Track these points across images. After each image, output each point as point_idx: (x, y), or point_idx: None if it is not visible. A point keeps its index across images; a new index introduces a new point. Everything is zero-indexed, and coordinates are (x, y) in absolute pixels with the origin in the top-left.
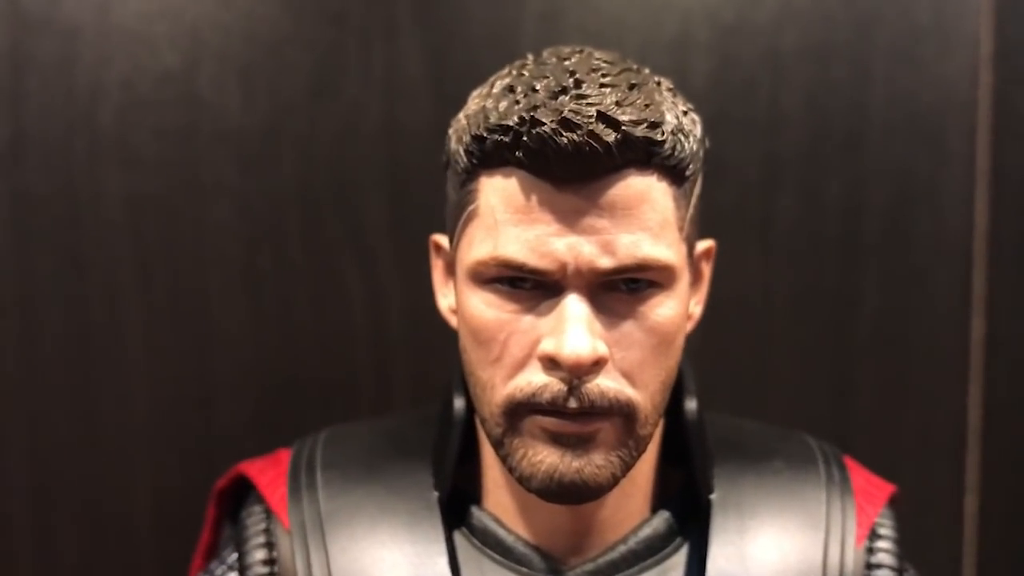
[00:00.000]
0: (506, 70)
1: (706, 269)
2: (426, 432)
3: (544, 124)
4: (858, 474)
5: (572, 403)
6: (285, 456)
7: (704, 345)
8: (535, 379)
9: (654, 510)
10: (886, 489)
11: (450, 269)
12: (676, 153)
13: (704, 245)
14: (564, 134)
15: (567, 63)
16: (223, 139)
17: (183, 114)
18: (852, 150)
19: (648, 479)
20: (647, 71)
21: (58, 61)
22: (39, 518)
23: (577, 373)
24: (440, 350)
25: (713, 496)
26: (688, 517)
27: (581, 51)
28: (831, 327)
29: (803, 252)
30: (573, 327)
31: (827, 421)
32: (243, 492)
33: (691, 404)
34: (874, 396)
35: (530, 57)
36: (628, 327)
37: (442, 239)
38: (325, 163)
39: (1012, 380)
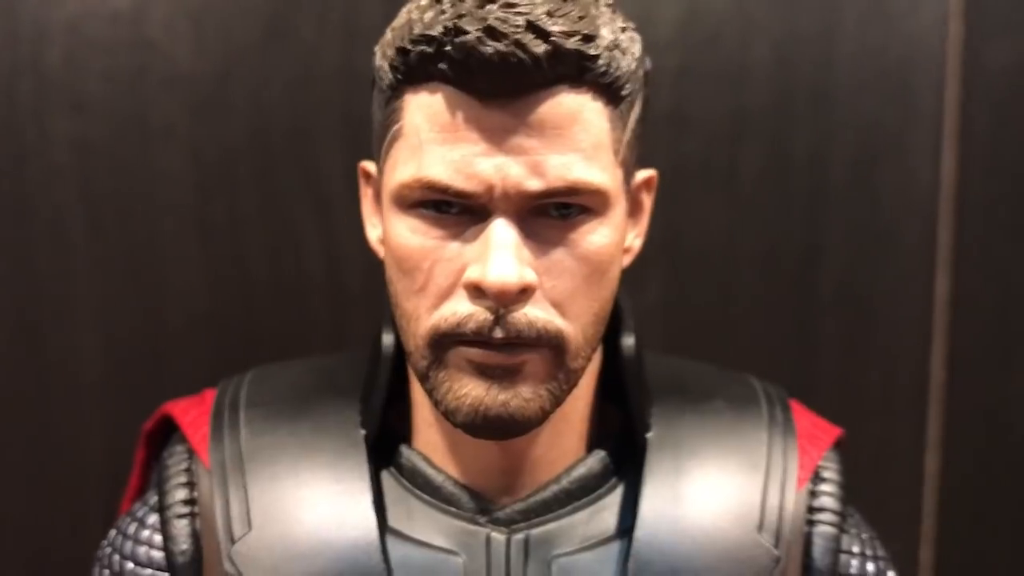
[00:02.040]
0: None
1: (647, 200)
2: (357, 370)
3: (468, 33)
4: (803, 416)
5: (498, 333)
6: (211, 396)
7: (668, 296)
8: (460, 308)
9: (589, 449)
10: (832, 432)
11: (379, 197)
12: (611, 70)
13: (645, 174)
14: (489, 43)
15: None
16: (174, 83)
17: (132, 57)
18: (819, 104)
19: (583, 417)
20: None
21: (2, 2)
22: None
23: (503, 301)
24: None
25: (649, 435)
26: (625, 457)
27: None
28: (795, 281)
29: (769, 205)
30: (499, 253)
31: (789, 375)
32: (171, 433)
33: (628, 340)
34: (837, 351)
35: None
36: (558, 255)
37: (371, 166)
38: (279, 109)
39: (975, 338)
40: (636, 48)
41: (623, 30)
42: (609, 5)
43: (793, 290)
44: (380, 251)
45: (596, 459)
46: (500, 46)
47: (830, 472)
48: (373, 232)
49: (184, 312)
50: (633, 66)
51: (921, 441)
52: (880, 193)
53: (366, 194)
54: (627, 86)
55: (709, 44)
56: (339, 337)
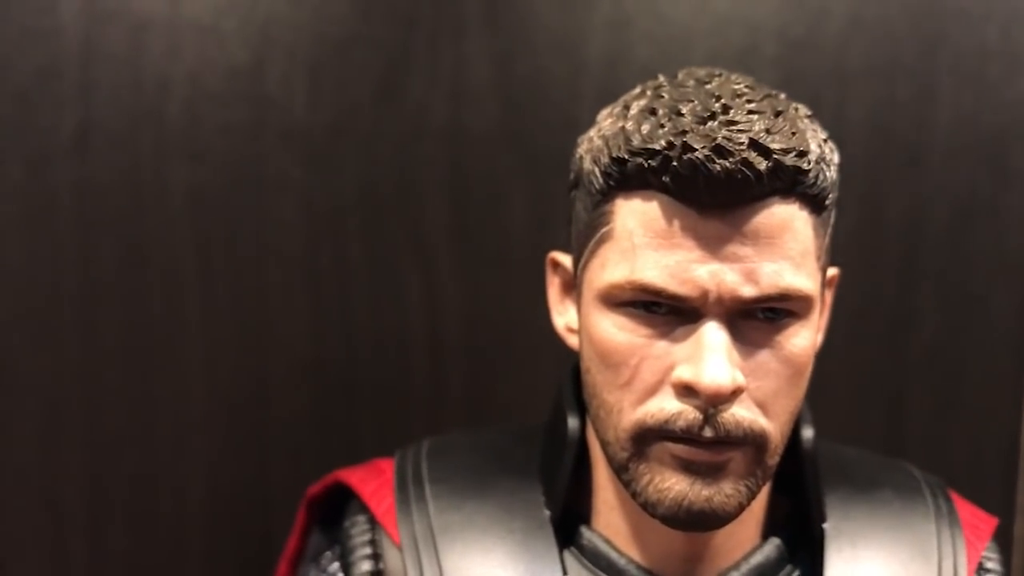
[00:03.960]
0: (639, 90)
1: (829, 297)
2: (531, 449)
3: (696, 150)
4: (963, 507)
5: (707, 432)
6: (385, 466)
7: None
8: (668, 406)
9: (764, 537)
10: (990, 522)
11: (567, 287)
12: (819, 182)
13: (831, 273)
14: (717, 161)
15: (708, 86)
16: (288, 136)
17: (249, 110)
18: (914, 169)
19: (761, 506)
20: (784, 96)
21: (127, 53)
22: (93, 510)
23: (715, 403)
24: (495, 354)
25: (826, 525)
26: (797, 545)
27: (719, 74)
28: (886, 344)
29: (862, 269)
30: (713, 356)
31: (880, 439)
32: (335, 500)
33: (808, 433)
34: (927, 416)
35: (663, 78)
36: (764, 356)
37: (561, 257)
38: (388, 164)
39: None
40: (836, 158)
41: (825, 141)
42: (809, 116)
43: (884, 353)
44: (568, 338)
45: (772, 547)
46: (727, 163)
47: (992, 563)
48: (560, 319)
49: (288, 359)
50: (835, 176)
51: (1011, 507)
52: (973, 258)
53: (553, 282)
54: (830, 196)
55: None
56: (436, 389)
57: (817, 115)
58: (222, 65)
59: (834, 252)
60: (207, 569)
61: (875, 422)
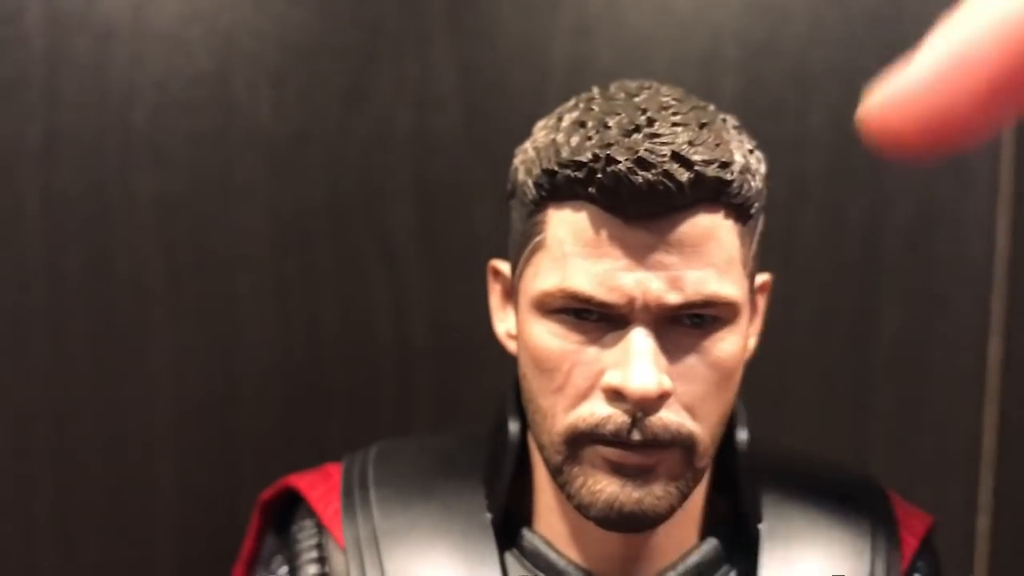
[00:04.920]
0: (572, 102)
1: (761, 302)
2: (477, 453)
3: (619, 162)
4: (899, 506)
5: (636, 435)
6: (334, 471)
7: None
8: (598, 410)
9: (702, 537)
10: (925, 520)
11: (508, 295)
12: (743, 192)
13: (761, 279)
14: (639, 173)
15: (636, 99)
16: (254, 144)
17: (215, 118)
18: (876, 172)
19: (698, 506)
20: (712, 108)
21: (93, 61)
22: (62, 518)
23: (642, 406)
24: (462, 359)
25: (761, 525)
26: (735, 545)
27: (649, 87)
28: (850, 346)
29: (824, 271)
30: (640, 361)
31: (843, 440)
32: (288, 504)
33: (742, 435)
34: (891, 415)
35: (596, 91)
36: (691, 361)
37: (501, 265)
38: (354, 170)
39: None
40: (762, 168)
41: (751, 151)
42: (736, 127)
43: (847, 354)
44: (508, 344)
45: (710, 547)
46: (649, 175)
47: (923, 562)
48: (501, 326)
49: (256, 365)
50: (760, 186)
51: (972, 504)
52: (934, 260)
53: (495, 290)
54: (755, 205)
55: (768, 112)
56: (404, 393)
57: (779, 119)
58: (187, 73)
59: (795, 255)
60: (175, 574)
61: (838, 422)
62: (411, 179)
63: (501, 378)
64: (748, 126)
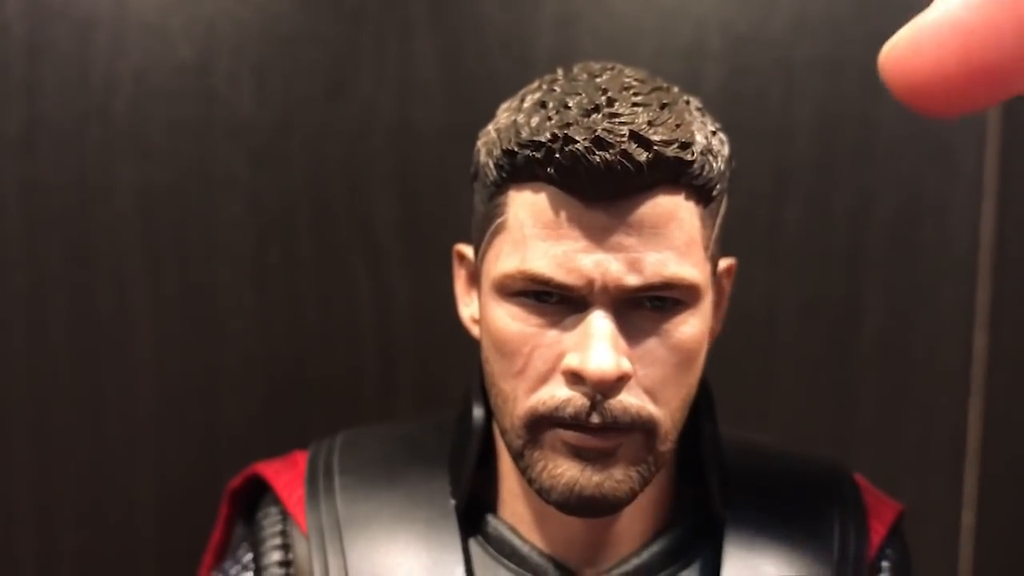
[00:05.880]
0: (536, 84)
1: (726, 286)
2: (442, 439)
3: (577, 142)
4: (869, 493)
5: (595, 418)
6: (301, 458)
7: (707, 353)
8: (558, 393)
9: (667, 525)
10: (894, 508)
11: (473, 279)
12: (704, 173)
13: (726, 263)
14: (596, 152)
15: (598, 80)
16: (236, 133)
17: (196, 107)
18: (861, 162)
19: (663, 493)
20: (676, 90)
21: (73, 51)
22: (41, 508)
23: (601, 389)
24: (445, 351)
25: (725, 512)
26: (701, 533)
27: (612, 68)
28: (834, 338)
29: (809, 263)
30: (598, 343)
31: (828, 432)
32: (257, 492)
33: (708, 423)
34: (875, 408)
35: (560, 72)
36: (652, 344)
37: (466, 249)
38: (336, 161)
39: (1012, 395)
40: (725, 150)
41: (714, 133)
42: (700, 108)
43: (832, 346)
44: (473, 329)
45: (674, 535)
46: (606, 155)
47: (892, 549)
48: (466, 310)
49: (237, 355)
50: (723, 167)
51: (957, 497)
52: (919, 251)
53: (460, 274)
54: (717, 186)
55: (752, 102)
56: (387, 383)
57: (764, 109)
58: (168, 63)
59: (780, 246)
60: (157, 566)
61: (824, 415)
62: (393, 169)
63: None
64: (732, 117)
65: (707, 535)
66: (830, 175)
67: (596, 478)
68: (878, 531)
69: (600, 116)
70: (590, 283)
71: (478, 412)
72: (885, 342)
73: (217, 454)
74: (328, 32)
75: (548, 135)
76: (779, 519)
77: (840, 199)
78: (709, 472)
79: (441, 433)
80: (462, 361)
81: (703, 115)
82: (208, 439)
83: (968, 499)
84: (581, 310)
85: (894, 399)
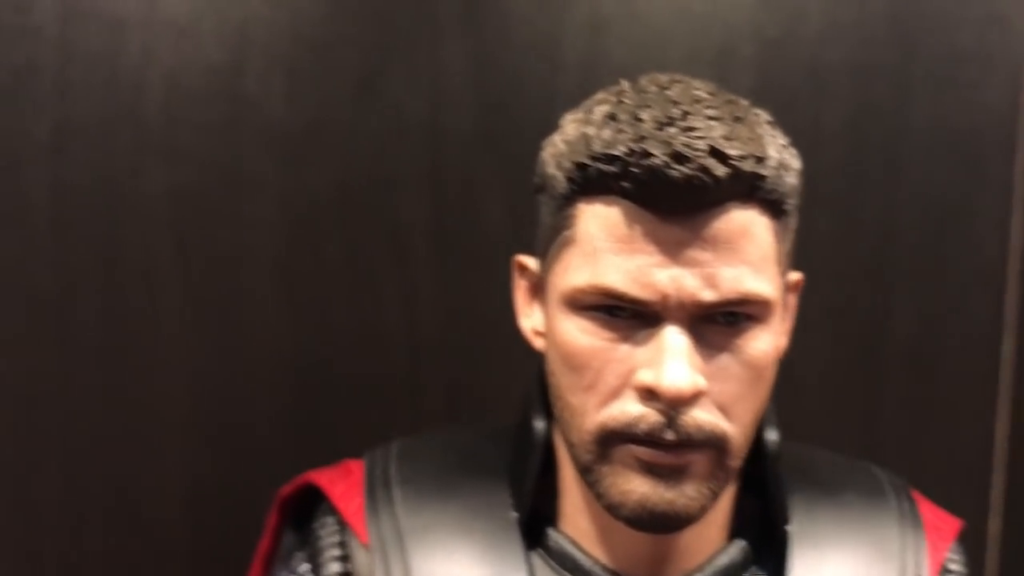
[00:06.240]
0: (601, 95)
1: (793, 300)
2: (500, 450)
3: (655, 156)
4: (926, 508)
5: (669, 435)
6: (355, 467)
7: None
8: (630, 409)
9: (730, 538)
10: (954, 524)
11: (534, 290)
12: (778, 188)
13: (793, 277)
14: (675, 167)
15: (668, 92)
16: (266, 136)
17: (227, 109)
18: (890, 170)
19: (726, 507)
20: (746, 103)
21: (104, 53)
22: (71, 509)
23: (676, 405)
24: (472, 352)
25: (790, 527)
26: (763, 546)
27: (680, 80)
28: (862, 345)
29: (837, 269)
30: (674, 359)
31: (854, 437)
32: (307, 500)
33: (772, 435)
34: (902, 416)
35: (625, 84)
36: (725, 360)
37: (527, 260)
38: (366, 163)
39: None
40: (797, 164)
41: (785, 147)
42: (769, 122)
43: (859, 353)
44: (535, 341)
45: (738, 548)
46: (685, 169)
47: (956, 565)
48: (527, 322)
49: (266, 358)
50: (795, 182)
51: (984, 505)
52: (947, 259)
53: (520, 285)
54: (789, 201)
55: (782, 112)
56: (414, 384)
57: (793, 117)
58: (199, 65)
59: (809, 253)
60: (187, 569)
61: (850, 423)
62: (423, 172)
63: (511, 372)
64: None
65: (769, 549)
66: (859, 182)
67: (668, 495)
68: (939, 547)
69: (676, 130)
70: (665, 298)
71: (539, 424)
72: (913, 349)
73: (246, 455)
74: (358, 34)
75: (623, 148)
76: (843, 534)
77: (869, 206)
78: (773, 486)
79: (496, 444)
80: (489, 363)
81: (773, 128)
82: (237, 440)
83: (995, 506)
84: (653, 325)
85: (921, 406)
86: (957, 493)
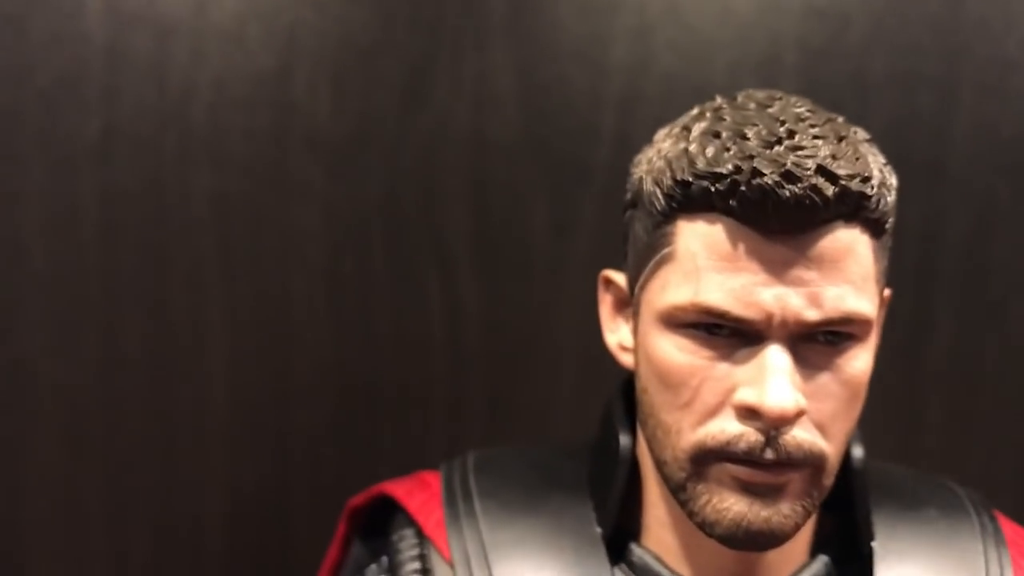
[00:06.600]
0: (697, 111)
1: (882, 316)
2: (579, 465)
3: (765, 175)
4: (1007, 526)
5: (769, 454)
6: (431, 479)
7: None
8: (729, 427)
9: (812, 554)
10: None
11: (620, 306)
12: (880, 207)
13: (885, 293)
14: (786, 186)
15: (770, 110)
16: (312, 143)
17: (273, 116)
18: (933, 179)
19: (809, 524)
20: (842, 119)
21: (152, 59)
22: (114, 515)
23: (777, 425)
24: (515, 361)
25: (874, 543)
26: (844, 563)
27: (780, 97)
28: (904, 354)
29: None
30: (777, 379)
31: (893, 449)
32: (376, 511)
33: (858, 452)
34: (944, 424)
35: (721, 100)
36: (824, 379)
37: (614, 275)
38: (411, 171)
39: None
40: (894, 181)
41: (884, 165)
42: (868, 140)
43: (900, 366)
44: (621, 357)
45: (820, 564)
46: (796, 189)
47: None
48: (612, 337)
49: (310, 366)
50: (894, 200)
51: None
52: (991, 267)
53: (605, 300)
54: (889, 220)
55: None
56: (457, 394)
57: None
58: (247, 71)
59: None
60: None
61: (891, 432)
62: (468, 180)
63: (553, 382)
64: None
65: (851, 565)
66: (902, 190)
67: (764, 513)
68: (1022, 564)
69: (783, 148)
70: (769, 317)
71: (625, 440)
72: (955, 359)
73: (288, 462)
74: (405, 42)
75: (731, 166)
76: (927, 550)
77: (912, 215)
78: (858, 502)
79: (577, 460)
80: (532, 373)
81: (872, 147)
82: (279, 447)
83: None
84: (754, 343)
85: (963, 416)
86: (999, 505)
